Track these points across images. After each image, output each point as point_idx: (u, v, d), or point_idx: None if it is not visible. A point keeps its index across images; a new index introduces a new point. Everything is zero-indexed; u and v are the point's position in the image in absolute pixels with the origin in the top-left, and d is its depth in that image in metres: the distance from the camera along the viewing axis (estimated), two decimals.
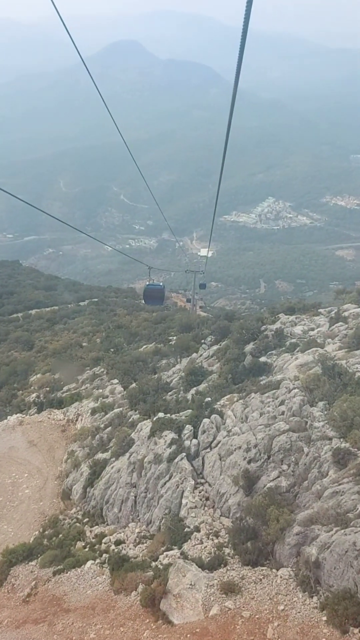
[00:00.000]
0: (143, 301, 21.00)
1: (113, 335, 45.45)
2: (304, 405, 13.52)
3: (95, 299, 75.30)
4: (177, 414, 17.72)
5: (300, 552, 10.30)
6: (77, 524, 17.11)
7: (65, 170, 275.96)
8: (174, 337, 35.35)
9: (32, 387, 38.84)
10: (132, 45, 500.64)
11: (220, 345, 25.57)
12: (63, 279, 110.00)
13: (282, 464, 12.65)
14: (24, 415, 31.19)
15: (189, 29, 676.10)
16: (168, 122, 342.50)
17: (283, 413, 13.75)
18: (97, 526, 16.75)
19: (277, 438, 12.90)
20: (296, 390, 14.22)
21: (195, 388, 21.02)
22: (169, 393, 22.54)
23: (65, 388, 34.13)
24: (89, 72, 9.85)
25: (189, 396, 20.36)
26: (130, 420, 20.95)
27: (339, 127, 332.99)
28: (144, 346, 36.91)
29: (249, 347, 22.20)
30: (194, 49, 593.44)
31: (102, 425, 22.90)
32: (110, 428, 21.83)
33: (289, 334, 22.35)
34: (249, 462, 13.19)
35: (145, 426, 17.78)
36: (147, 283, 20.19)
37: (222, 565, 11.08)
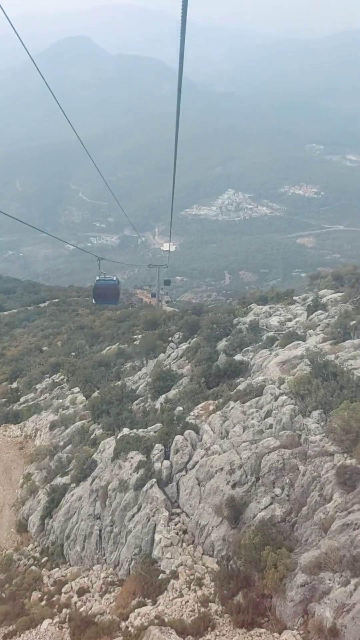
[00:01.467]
0: (93, 301, 17.27)
1: (75, 337, 42.57)
2: (295, 415, 11.26)
3: (56, 300, 72.00)
4: (145, 429, 15.24)
5: (307, 611, 8.05)
6: (34, 567, 14.47)
7: (21, 169, 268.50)
8: (139, 336, 32.76)
9: None
10: (82, 40, 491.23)
11: (189, 343, 23.16)
12: (22, 280, 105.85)
13: (274, 487, 10.37)
14: None
15: (139, 23, 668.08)
16: (123, 117, 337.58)
17: (271, 426, 11.46)
18: (57, 568, 14.15)
19: (267, 457, 10.60)
20: (284, 397, 11.96)
21: (164, 395, 18.58)
22: (135, 402, 20.05)
23: (22, 399, 31.12)
24: (39, 71, 9.42)
25: (158, 405, 17.93)
26: (92, 436, 18.36)
27: (294, 117, 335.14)
28: (108, 348, 34.19)
29: (221, 344, 19.93)
30: (145, 43, 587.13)
31: (61, 443, 20.23)
32: (70, 446, 19.20)
33: (264, 327, 20.18)
34: (233, 487, 10.86)
35: (109, 445, 15.24)
36: (97, 278, 16.29)
37: (210, 628, 8.73)
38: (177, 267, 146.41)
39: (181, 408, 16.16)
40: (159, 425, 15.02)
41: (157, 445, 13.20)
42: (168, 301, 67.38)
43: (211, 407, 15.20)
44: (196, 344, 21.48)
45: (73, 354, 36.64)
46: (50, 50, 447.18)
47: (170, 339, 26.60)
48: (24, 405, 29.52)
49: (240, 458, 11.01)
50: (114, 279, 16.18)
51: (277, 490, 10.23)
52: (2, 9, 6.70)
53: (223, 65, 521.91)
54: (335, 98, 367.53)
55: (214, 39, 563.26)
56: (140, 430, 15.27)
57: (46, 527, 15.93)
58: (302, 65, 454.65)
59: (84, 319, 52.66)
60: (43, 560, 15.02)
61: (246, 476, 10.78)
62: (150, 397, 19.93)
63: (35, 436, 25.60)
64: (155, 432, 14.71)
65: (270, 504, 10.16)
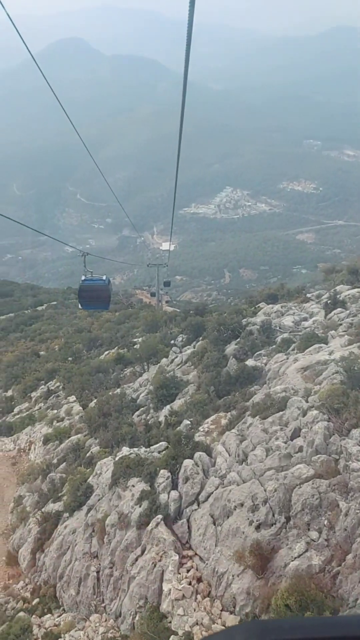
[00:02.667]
0: (79, 305, 14.45)
1: (72, 341, 40.57)
2: (330, 435, 9.25)
3: (54, 302, 70.14)
4: (148, 449, 13.21)
5: None
6: (22, 613, 12.47)
7: (17, 173, 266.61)
8: (139, 339, 30.74)
9: None
10: (76, 42, 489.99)
11: (194, 347, 21.15)
12: (20, 283, 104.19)
13: (309, 530, 8.37)
14: None
15: (132, 24, 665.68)
16: (118, 118, 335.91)
17: (301, 449, 9.44)
18: (49, 614, 12.16)
19: (298, 490, 8.60)
20: (314, 412, 9.93)
21: (168, 406, 16.58)
22: (136, 413, 18.04)
23: (16, 409, 29.16)
24: (42, 73, 9.33)
25: (162, 417, 15.92)
26: (88, 454, 16.35)
27: (289, 113, 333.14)
28: (106, 352, 32.17)
29: (230, 348, 17.91)
30: (139, 43, 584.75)
31: (55, 460, 18.24)
32: (64, 464, 17.19)
33: (277, 328, 18.18)
34: (257, 528, 8.86)
35: (106, 468, 13.23)
36: (83, 278, 13.33)
37: None
38: (177, 266, 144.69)
39: (188, 422, 14.18)
40: (163, 443, 13.00)
41: (162, 471, 11.16)
42: (168, 301, 65.54)
43: (223, 421, 13.21)
44: (202, 348, 19.47)
45: (70, 359, 34.69)
46: (45, 52, 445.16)
47: (172, 342, 24.62)
48: (17, 416, 27.57)
49: (265, 490, 9.00)
50: (104, 278, 13.49)
51: (314, 534, 8.23)
52: (6, 12, 6.97)
53: (217, 63, 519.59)
54: (330, 93, 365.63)
55: (207, 36, 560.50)
56: (143, 449, 13.25)
57: (37, 562, 13.94)
58: (296, 61, 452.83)
59: (82, 322, 50.78)
60: (34, 603, 13.05)
61: (273, 515, 8.78)
62: (152, 407, 17.94)
63: (29, 450, 23.67)
64: (159, 452, 12.70)
65: (306, 550, 8.16)
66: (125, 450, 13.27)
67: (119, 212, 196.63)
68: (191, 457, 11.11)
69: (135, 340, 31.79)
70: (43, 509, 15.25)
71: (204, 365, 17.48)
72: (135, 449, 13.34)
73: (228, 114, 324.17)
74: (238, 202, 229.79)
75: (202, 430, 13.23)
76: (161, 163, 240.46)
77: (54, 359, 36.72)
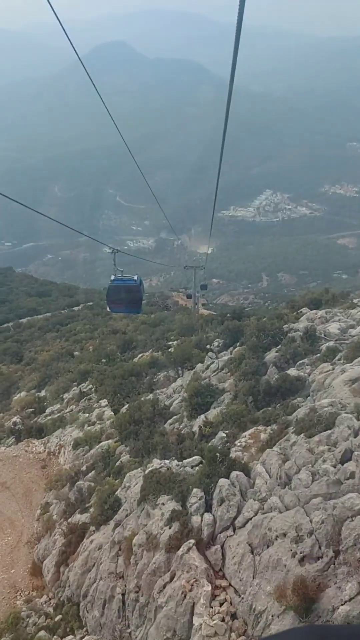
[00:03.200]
0: (107, 307, 12.93)
1: (106, 343, 40.17)
2: None
3: (90, 303, 70.26)
4: (180, 463, 12.28)
5: None
6: (43, 632, 11.75)
7: (59, 175, 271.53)
8: (174, 343, 29.88)
9: (13, 409, 33.52)
10: (119, 45, 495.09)
11: (231, 353, 20.13)
12: (58, 283, 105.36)
13: None
14: None
15: (176, 26, 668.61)
16: (159, 121, 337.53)
17: (352, 475, 8.34)
18: (71, 635, 11.41)
19: (349, 523, 7.52)
20: None
21: (203, 415, 15.64)
22: (169, 421, 17.17)
23: (48, 410, 28.77)
24: (89, 76, 9.37)
25: (196, 427, 15.00)
26: (118, 462, 15.58)
27: (333, 116, 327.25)
28: (140, 355, 31.47)
29: (270, 356, 16.84)
30: (182, 45, 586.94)
31: (84, 467, 17.55)
32: (93, 472, 16.47)
33: (322, 335, 16.99)
34: (301, 561, 7.83)
35: (135, 481, 12.39)
36: (112, 277, 12.22)
37: None
38: (214, 269, 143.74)
39: (224, 434, 13.21)
40: (197, 458, 12.08)
41: (195, 490, 10.21)
42: (204, 304, 64.63)
43: (263, 436, 12.18)
44: (240, 354, 18.44)
45: (103, 360, 34.18)
46: (89, 56, 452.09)
47: (208, 346, 23.67)
48: (49, 417, 27.15)
49: (311, 521, 7.96)
50: (135, 278, 12.20)
51: None
52: (57, 18, 6.91)
53: (261, 66, 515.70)
54: None
55: (252, 40, 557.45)
56: (174, 462, 12.35)
57: (61, 576, 13.23)
58: (340, 62, 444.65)
59: (117, 323, 50.43)
60: (56, 620, 12.33)
61: (320, 547, 7.73)
62: (186, 416, 17.04)
63: (59, 453, 23.17)
64: (192, 467, 11.77)
65: (358, 593, 7.09)
66: (155, 463, 12.39)
67: (157, 215, 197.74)
68: (227, 476, 10.12)
69: (170, 343, 30.97)
70: (69, 520, 14.57)
71: (242, 373, 16.47)
72: (167, 461, 12.46)
73: (270, 117, 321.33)
74: (278, 205, 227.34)
75: (238, 444, 12.23)
76: (201, 166, 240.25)
77: (87, 360, 36.35)
